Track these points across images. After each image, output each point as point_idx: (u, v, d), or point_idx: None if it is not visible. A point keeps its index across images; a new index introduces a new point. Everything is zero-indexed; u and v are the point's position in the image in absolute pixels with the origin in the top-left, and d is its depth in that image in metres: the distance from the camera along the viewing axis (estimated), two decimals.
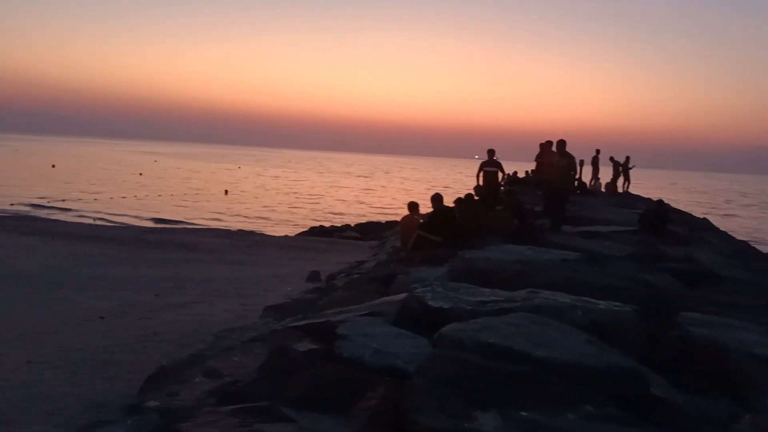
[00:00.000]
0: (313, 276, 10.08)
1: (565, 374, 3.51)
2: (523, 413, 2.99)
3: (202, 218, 28.84)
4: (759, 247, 21.74)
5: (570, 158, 11.78)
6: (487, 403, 3.10)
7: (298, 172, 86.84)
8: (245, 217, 30.95)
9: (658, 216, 11.89)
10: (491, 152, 14.01)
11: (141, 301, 8.96)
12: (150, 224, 24.61)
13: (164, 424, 3.43)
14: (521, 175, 25.20)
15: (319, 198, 45.32)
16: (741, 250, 15.20)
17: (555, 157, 11.99)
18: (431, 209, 9.90)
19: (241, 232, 20.48)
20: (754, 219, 45.74)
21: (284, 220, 30.76)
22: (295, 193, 48.53)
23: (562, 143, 11.81)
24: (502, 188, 14.12)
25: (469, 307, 4.74)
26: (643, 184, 57.54)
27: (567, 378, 3.47)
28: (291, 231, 24.64)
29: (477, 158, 13.72)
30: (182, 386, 4.16)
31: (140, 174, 56.36)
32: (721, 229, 23.99)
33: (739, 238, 22.66)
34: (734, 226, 33.85)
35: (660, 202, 12.82)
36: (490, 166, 13.97)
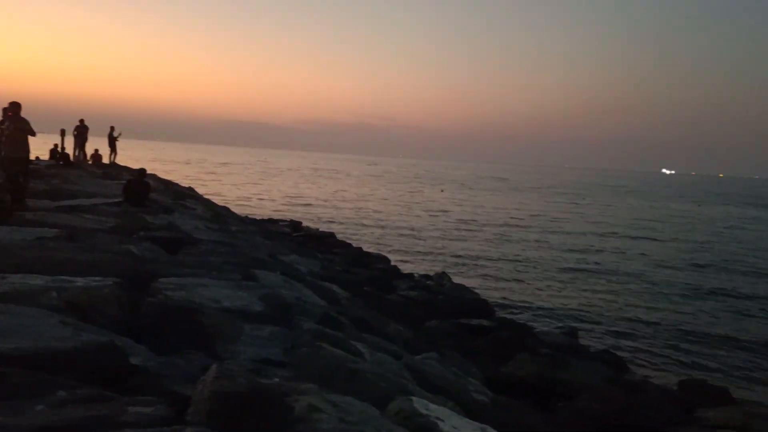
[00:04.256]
0: None
1: (34, 364, 3.22)
2: None
3: None
4: (236, 210, 24.57)
5: (23, 122, 10.39)
6: None
7: None
8: None
9: (140, 186, 12.02)
10: None
11: None
12: None
13: None
14: None
15: None
16: (220, 213, 16.87)
17: (4, 123, 10.58)
18: None
19: None
20: (233, 185, 51.37)
21: None
22: None
23: (13, 105, 10.41)
24: None
25: None
26: (132, 155, 57.81)
27: (37, 367, 3.19)
28: None
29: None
30: None
31: None
32: (205, 196, 26.14)
33: (220, 203, 25.12)
34: (215, 193, 37.29)
35: (141, 171, 12.89)
36: None
